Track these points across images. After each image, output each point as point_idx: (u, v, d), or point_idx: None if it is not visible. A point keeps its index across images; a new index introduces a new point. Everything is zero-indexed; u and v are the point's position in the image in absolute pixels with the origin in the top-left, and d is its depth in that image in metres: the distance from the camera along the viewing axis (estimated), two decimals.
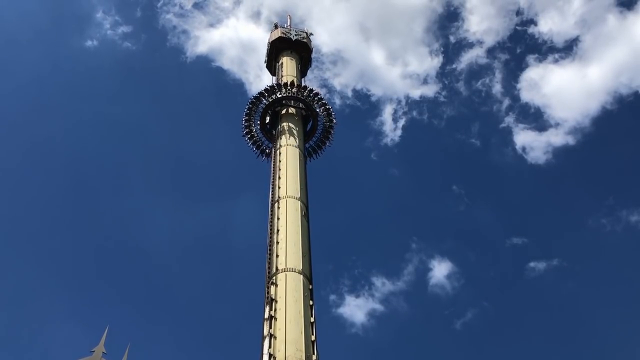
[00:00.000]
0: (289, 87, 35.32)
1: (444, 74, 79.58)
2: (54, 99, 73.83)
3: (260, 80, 68.24)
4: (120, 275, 65.69)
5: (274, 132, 34.64)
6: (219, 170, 77.84)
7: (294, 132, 33.38)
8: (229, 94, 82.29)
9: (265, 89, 35.83)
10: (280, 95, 34.95)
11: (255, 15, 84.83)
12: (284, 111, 35.07)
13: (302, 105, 35.24)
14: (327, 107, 36.10)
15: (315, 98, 35.86)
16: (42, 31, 77.26)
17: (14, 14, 76.60)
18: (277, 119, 35.03)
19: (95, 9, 79.12)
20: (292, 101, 35.20)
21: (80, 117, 73.42)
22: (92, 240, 65.67)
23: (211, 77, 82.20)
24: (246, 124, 35.88)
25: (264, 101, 35.32)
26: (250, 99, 36.08)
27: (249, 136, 35.99)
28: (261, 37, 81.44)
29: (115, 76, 78.27)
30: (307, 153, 34.71)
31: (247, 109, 35.79)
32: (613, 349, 58.33)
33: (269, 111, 35.31)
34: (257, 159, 34.99)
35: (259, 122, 35.60)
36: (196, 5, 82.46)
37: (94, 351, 17.10)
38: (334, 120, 36.07)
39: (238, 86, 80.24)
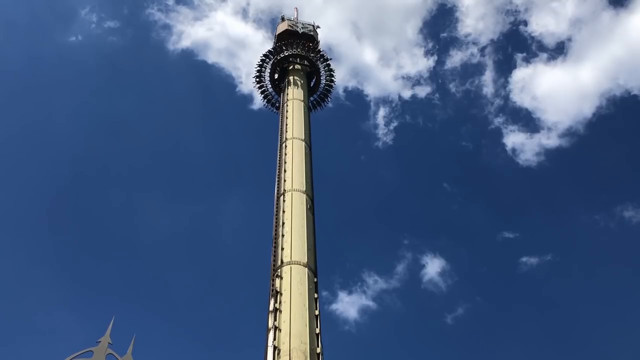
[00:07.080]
0: (294, 47, 38.70)
1: (436, 75, 76.93)
2: (39, 94, 71.81)
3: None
4: (124, 269, 65.13)
5: (281, 85, 37.92)
6: (211, 164, 76.72)
7: (299, 83, 36.35)
8: (216, 89, 79.89)
9: (274, 48, 39.42)
10: (288, 53, 38.36)
11: (242, 12, 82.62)
12: (290, 67, 38.06)
13: (307, 62, 38.49)
14: (328, 63, 39.28)
15: (318, 55, 39.04)
16: (31, 25, 75.62)
17: None
18: (284, 75, 38.10)
19: (82, 5, 78.20)
20: (298, 59, 38.37)
21: (66, 112, 71.87)
22: (94, 233, 65.47)
23: (198, 71, 79.74)
24: (258, 80, 39.45)
25: (272, 59, 38.86)
26: (261, 57, 39.50)
27: (260, 90, 39.49)
28: (250, 33, 79.59)
29: (101, 71, 76.55)
30: (312, 105, 38.11)
31: (258, 66, 39.33)
32: (605, 344, 57.64)
33: (277, 68, 38.75)
34: (255, 150, 37.23)
35: (269, 77, 39.15)
36: (181, 1, 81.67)
37: (100, 341, 17.16)
38: (334, 74, 39.59)
39: (225, 82, 78.38)
